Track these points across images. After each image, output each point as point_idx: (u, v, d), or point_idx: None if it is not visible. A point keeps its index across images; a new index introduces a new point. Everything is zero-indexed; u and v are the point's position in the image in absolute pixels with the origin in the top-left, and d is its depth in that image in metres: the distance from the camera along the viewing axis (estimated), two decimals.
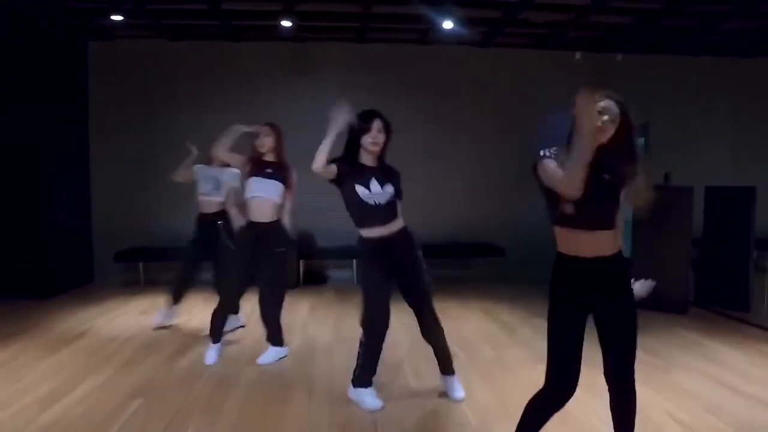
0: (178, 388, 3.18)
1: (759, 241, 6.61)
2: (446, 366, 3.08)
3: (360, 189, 2.74)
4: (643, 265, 5.29)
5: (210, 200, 4.37)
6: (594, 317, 1.95)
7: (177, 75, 6.78)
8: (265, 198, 3.55)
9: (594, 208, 1.81)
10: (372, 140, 2.75)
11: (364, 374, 2.94)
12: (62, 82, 6.21)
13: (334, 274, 7.07)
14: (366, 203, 2.76)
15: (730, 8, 5.55)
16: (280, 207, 3.63)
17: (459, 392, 3.03)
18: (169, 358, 3.76)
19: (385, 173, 2.85)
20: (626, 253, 6.39)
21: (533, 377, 3.22)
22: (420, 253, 2.93)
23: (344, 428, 2.67)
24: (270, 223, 3.58)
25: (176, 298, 4.50)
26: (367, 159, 2.82)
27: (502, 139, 7.13)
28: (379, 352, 2.96)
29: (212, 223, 4.33)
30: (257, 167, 3.59)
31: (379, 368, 3.02)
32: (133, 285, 6.48)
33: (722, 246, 5.25)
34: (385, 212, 2.80)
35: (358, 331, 2.99)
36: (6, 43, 5.57)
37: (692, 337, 4.28)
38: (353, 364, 3.00)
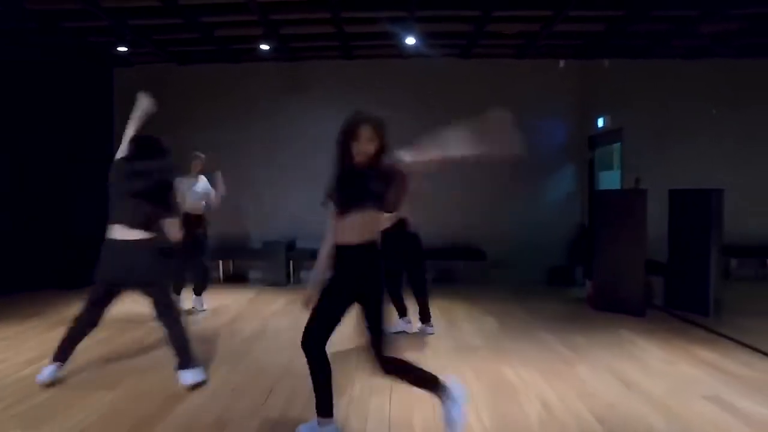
0: (134, 355, 3.79)
1: (735, 248, 6.46)
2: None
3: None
4: (601, 269, 5.40)
5: (198, 204, 5.31)
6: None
7: (187, 96, 7.61)
8: None
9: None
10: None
11: None
12: (90, 103, 7.24)
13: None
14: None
15: (698, 13, 5.53)
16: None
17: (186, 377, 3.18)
18: (145, 334, 4.42)
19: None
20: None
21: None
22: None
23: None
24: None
25: (177, 290, 5.32)
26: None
27: None
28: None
29: (198, 224, 5.26)
30: None
31: None
32: None
33: (686, 250, 5.22)
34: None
35: None
36: (41, 75, 6.63)
37: (628, 337, 4.34)
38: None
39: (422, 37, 6.05)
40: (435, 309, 5.45)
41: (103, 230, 7.63)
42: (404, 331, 4.44)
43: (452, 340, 4.30)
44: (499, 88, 7.34)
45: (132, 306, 5.52)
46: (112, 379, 3.32)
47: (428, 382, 2.39)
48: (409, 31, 5.92)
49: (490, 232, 7.29)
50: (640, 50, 6.81)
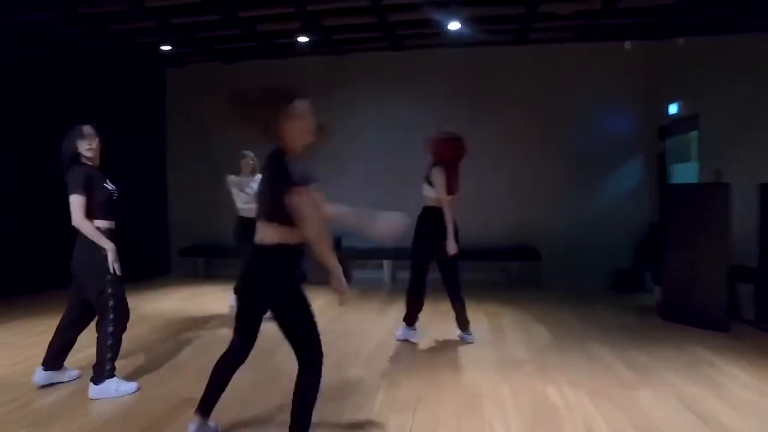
0: (156, 356, 3.72)
1: None
2: None
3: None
4: (674, 273, 4.73)
5: (250, 206, 4.67)
6: None
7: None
8: None
9: None
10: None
11: None
12: (143, 103, 7.47)
13: (359, 274, 7.28)
14: None
15: None
16: None
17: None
18: (173, 334, 4.36)
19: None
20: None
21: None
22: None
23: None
24: None
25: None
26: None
27: (542, 139, 6.80)
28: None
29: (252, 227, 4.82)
30: None
31: None
32: (195, 277, 7.43)
33: None
34: None
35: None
36: (102, 76, 6.89)
37: (706, 357, 3.69)
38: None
39: (471, 22, 5.61)
40: (481, 314, 5.04)
41: (156, 228, 7.67)
42: (407, 340, 4.07)
43: (494, 350, 3.87)
44: (558, 76, 6.74)
45: (175, 304, 5.64)
46: (129, 379, 3.23)
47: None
48: (456, 16, 5.51)
49: (546, 230, 6.72)
50: (722, 24, 5.92)
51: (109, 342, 2.92)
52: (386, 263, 7.04)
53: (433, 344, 4.06)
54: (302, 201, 1.92)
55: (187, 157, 7.75)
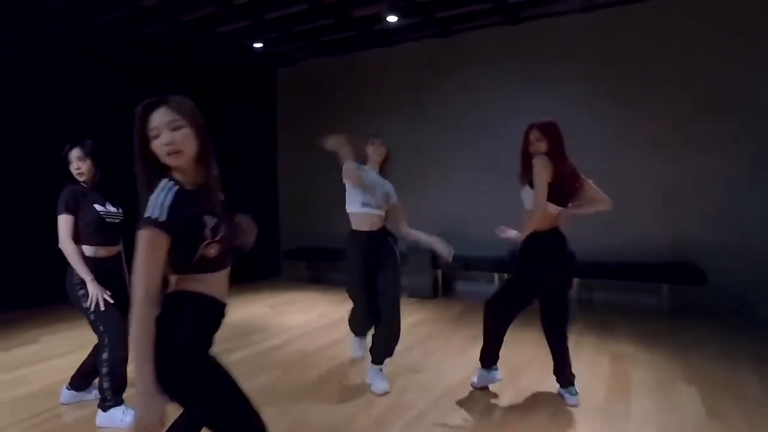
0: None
1: None
2: None
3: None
4: None
5: (369, 211, 3.20)
6: None
7: (343, 86, 7.32)
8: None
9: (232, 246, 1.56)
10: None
11: None
12: (255, 105, 7.62)
13: (463, 286, 6.35)
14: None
15: None
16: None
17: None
18: (225, 351, 4.07)
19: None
20: None
21: None
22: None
23: None
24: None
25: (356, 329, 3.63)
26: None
27: (705, 123, 5.08)
28: None
29: (373, 240, 3.21)
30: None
31: None
32: (299, 281, 7.31)
33: None
34: None
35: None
36: (218, 81, 7.16)
37: None
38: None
39: None
40: (605, 356, 3.80)
41: (267, 229, 7.61)
42: (486, 387, 3.14)
43: (604, 425, 2.69)
44: (732, 36, 4.92)
45: (261, 311, 5.43)
46: None
47: None
48: None
49: (714, 243, 5.00)
50: None
51: (104, 370, 2.65)
52: (497, 276, 6.00)
53: (517, 400, 3.03)
54: (139, 243, 1.34)
55: (298, 158, 7.73)
